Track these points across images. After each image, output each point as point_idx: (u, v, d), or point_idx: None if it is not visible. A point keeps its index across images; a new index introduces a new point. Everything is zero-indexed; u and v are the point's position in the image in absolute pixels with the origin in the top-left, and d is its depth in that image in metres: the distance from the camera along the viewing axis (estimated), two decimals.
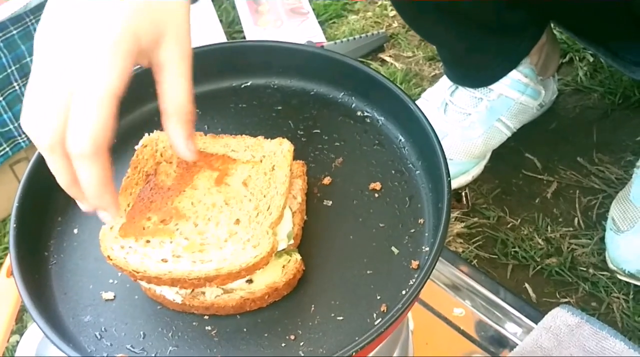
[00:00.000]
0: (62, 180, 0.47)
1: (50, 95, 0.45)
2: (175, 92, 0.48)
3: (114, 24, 0.45)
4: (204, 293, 0.50)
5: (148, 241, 0.49)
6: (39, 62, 0.46)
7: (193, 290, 0.50)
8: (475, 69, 1.04)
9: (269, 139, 0.55)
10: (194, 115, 0.49)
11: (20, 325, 0.95)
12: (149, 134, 0.57)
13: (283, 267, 0.51)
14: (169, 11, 0.48)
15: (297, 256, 0.52)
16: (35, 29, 1.07)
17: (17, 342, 0.78)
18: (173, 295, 0.50)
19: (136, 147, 0.56)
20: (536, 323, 0.77)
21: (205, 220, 0.50)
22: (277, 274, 0.51)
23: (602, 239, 0.96)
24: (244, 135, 0.56)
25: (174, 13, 0.48)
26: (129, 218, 0.51)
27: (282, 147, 0.54)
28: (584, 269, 0.95)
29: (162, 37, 0.47)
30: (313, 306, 0.51)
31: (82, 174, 0.46)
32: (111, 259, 0.49)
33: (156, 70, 0.48)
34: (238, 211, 0.51)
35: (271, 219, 0.50)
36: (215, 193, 0.52)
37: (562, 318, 0.76)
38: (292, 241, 0.52)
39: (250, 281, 0.51)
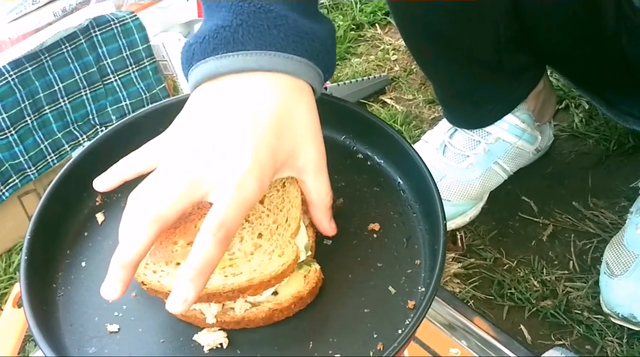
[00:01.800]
0: (141, 249, 0.47)
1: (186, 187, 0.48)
2: (318, 189, 0.54)
3: (254, 152, 0.48)
4: (233, 309, 0.52)
5: (178, 263, 0.51)
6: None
7: (224, 306, 0.52)
8: (472, 110, 1.06)
9: None
10: (332, 201, 0.55)
11: (22, 355, 0.95)
12: None
13: (304, 277, 0.53)
14: (300, 120, 0.52)
15: (315, 266, 0.54)
16: (49, 67, 1.11)
17: None
18: (206, 312, 0.52)
19: None
20: None
21: None
22: (300, 284, 0.53)
23: (597, 282, 0.97)
24: None
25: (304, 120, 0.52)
26: (157, 244, 0.53)
27: None
28: (579, 312, 0.96)
29: (297, 148, 0.52)
30: (311, 342, 0.51)
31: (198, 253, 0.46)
32: (145, 284, 0.51)
33: (296, 173, 0.53)
34: (259, 226, 0.53)
35: (290, 230, 0.52)
36: None
37: None
38: (309, 252, 0.55)
39: (276, 293, 0.53)
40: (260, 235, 0.53)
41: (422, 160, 0.58)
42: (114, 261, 0.47)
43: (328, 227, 0.56)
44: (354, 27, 1.61)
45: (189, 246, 0.52)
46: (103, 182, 0.54)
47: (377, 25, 1.61)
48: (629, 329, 0.93)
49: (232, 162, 0.48)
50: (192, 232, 0.53)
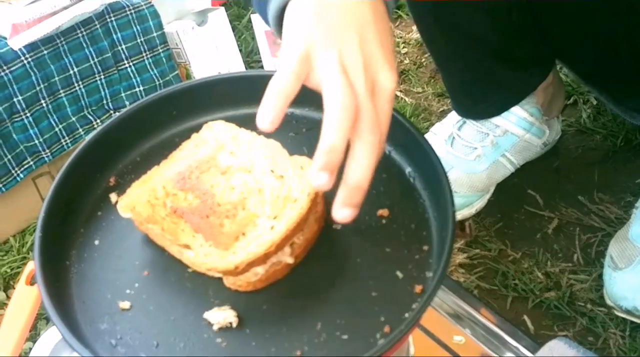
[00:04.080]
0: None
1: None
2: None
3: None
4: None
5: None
6: None
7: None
8: (480, 100, 1.07)
9: None
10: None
11: (34, 332, 0.97)
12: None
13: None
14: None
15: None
16: (65, 51, 1.12)
17: (30, 349, 0.80)
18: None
19: None
20: (534, 354, 0.78)
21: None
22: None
23: (601, 275, 0.97)
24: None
25: None
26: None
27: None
28: (582, 304, 0.97)
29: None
30: (319, 323, 0.52)
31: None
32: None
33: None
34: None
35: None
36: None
37: (559, 350, 0.78)
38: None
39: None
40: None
41: (432, 149, 0.59)
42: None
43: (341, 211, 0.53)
44: None
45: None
46: (270, 121, 0.51)
47: None
48: (631, 322, 0.93)
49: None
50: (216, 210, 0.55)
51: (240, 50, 1.53)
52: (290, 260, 0.54)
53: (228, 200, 0.55)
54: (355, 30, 0.51)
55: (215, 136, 0.60)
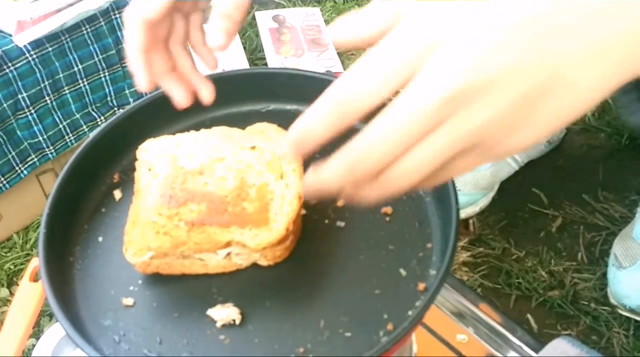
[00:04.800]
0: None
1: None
2: None
3: None
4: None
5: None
6: None
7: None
8: None
9: None
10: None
11: (37, 329, 0.97)
12: None
13: None
14: None
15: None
16: (69, 48, 1.12)
17: (33, 345, 0.80)
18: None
19: None
20: (537, 353, 0.78)
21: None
22: None
23: (604, 274, 0.97)
24: None
25: None
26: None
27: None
28: (586, 303, 0.97)
29: None
30: (323, 321, 0.52)
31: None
32: None
33: None
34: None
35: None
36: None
37: (562, 349, 0.78)
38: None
39: None
40: None
41: None
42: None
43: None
44: None
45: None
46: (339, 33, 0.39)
47: None
48: (635, 321, 0.93)
49: None
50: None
51: (244, 48, 1.53)
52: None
53: (229, 188, 0.55)
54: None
55: (159, 152, 0.59)
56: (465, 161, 0.34)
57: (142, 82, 0.49)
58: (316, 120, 0.35)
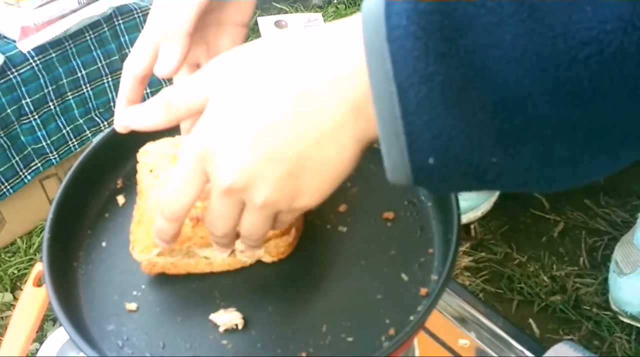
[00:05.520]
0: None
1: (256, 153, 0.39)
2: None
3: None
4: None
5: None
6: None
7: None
8: None
9: None
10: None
11: (40, 334, 0.97)
12: None
13: None
14: None
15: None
16: (73, 53, 1.12)
17: (37, 350, 0.80)
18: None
19: None
20: None
21: None
22: None
23: (606, 279, 0.97)
24: None
25: None
26: None
27: None
28: (588, 307, 0.97)
29: None
30: (325, 326, 0.52)
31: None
32: None
33: None
34: None
35: None
36: None
37: (564, 354, 0.78)
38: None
39: None
40: None
41: None
42: (160, 211, 0.45)
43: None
44: None
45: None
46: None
47: None
48: (637, 327, 0.93)
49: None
50: None
51: None
52: None
53: None
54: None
55: (159, 154, 0.60)
56: (284, 217, 0.44)
57: (119, 127, 0.53)
58: (159, 226, 0.46)
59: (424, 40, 0.31)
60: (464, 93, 0.31)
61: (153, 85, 1.27)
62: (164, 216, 0.45)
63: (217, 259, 0.55)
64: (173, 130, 0.66)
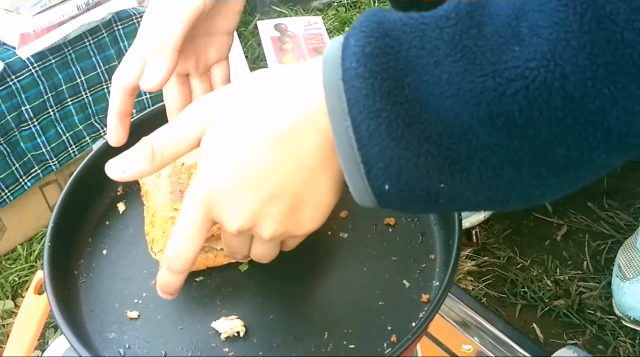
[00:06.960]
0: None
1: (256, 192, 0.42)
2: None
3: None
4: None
5: None
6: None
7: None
8: None
9: None
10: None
11: (42, 341, 0.97)
12: None
13: None
14: None
15: None
16: (72, 59, 1.12)
17: None
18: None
19: None
20: None
21: None
22: None
23: (610, 283, 0.97)
24: None
25: None
26: None
27: None
28: (592, 311, 0.97)
29: None
30: (326, 333, 0.52)
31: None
32: None
33: None
34: None
35: None
36: None
37: None
38: None
39: None
40: None
41: None
42: (167, 266, 0.46)
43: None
44: None
45: None
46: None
47: None
48: None
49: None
50: None
51: (247, 57, 1.54)
52: None
53: None
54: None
55: None
56: (290, 241, 0.47)
57: (112, 140, 0.55)
58: (166, 280, 0.47)
59: (370, 80, 0.35)
60: (410, 126, 0.35)
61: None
62: (171, 270, 0.46)
63: None
64: None
